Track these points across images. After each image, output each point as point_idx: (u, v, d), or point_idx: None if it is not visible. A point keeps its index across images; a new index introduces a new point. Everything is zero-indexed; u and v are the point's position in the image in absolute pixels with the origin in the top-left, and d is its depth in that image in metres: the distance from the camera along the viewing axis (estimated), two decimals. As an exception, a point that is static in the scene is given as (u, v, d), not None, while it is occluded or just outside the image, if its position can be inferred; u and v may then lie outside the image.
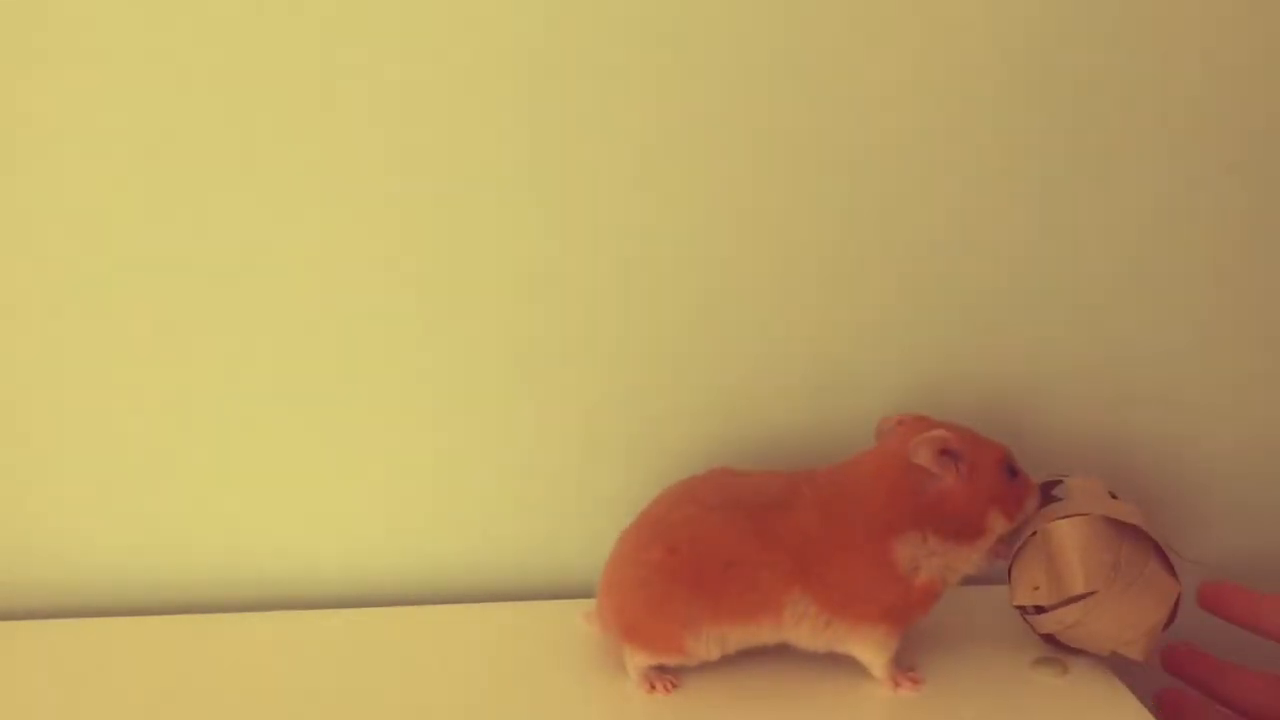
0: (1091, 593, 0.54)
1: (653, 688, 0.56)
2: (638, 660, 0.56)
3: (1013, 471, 0.56)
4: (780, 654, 0.56)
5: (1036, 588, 0.56)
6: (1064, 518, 0.56)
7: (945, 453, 0.54)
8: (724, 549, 0.54)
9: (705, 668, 0.56)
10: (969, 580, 0.56)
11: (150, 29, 0.55)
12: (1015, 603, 0.58)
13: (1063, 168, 0.61)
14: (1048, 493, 0.58)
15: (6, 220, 0.58)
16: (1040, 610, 0.57)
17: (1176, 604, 0.56)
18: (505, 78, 0.57)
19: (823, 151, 0.60)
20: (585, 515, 0.66)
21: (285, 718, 0.54)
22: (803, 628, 0.55)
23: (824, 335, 0.63)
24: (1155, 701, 0.58)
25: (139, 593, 0.65)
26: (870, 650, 0.55)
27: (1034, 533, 0.57)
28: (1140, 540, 0.55)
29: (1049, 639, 0.58)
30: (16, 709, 0.55)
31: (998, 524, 0.55)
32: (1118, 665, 0.58)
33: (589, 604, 0.60)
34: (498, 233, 0.60)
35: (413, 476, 0.65)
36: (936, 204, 0.61)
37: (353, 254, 0.60)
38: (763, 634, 0.55)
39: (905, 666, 0.56)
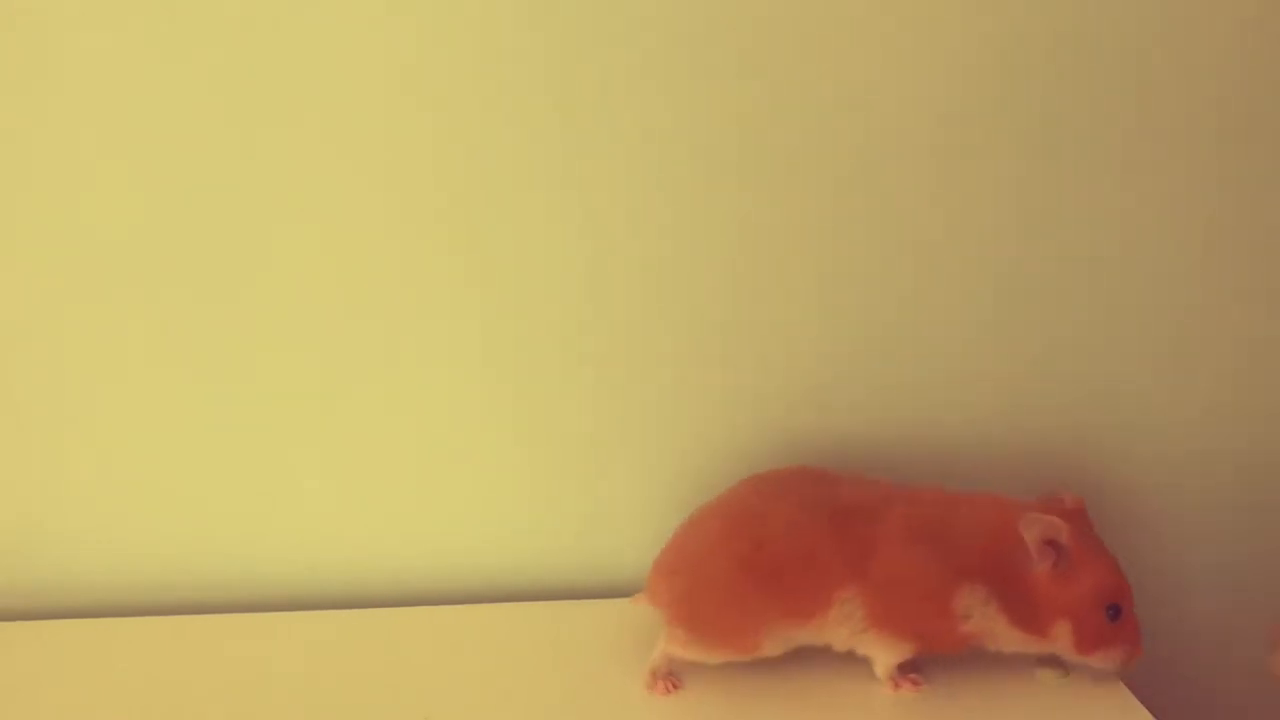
0: None
1: (663, 689, 0.56)
2: (686, 652, 0.56)
3: (1116, 613, 0.54)
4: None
5: None
6: None
7: (1051, 543, 0.53)
8: (807, 550, 0.54)
9: (706, 668, 0.56)
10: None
11: (151, 29, 0.55)
12: None
13: (1074, 171, 0.61)
14: None
15: (7, 220, 0.58)
16: None
17: None
18: (509, 77, 0.57)
19: (850, 154, 0.60)
20: (591, 517, 0.66)
21: (286, 718, 0.54)
22: (842, 629, 0.55)
23: (849, 337, 0.63)
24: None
25: (139, 593, 0.65)
26: (883, 653, 0.55)
27: None
28: None
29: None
30: (16, 709, 0.55)
31: (1062, 640, 0.54)
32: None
33: (592, 605, 0.60)
34: (507, 230, 0.60)
35: (417, 476, 0.64)
36: (958, 211, 0.61)
37: (357, 253, 0.60)
38: (808, 633, 0.55)
39: (906, 668, 0.56)
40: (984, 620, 0.54)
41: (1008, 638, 0.55)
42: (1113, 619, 0.54)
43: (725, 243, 0.61)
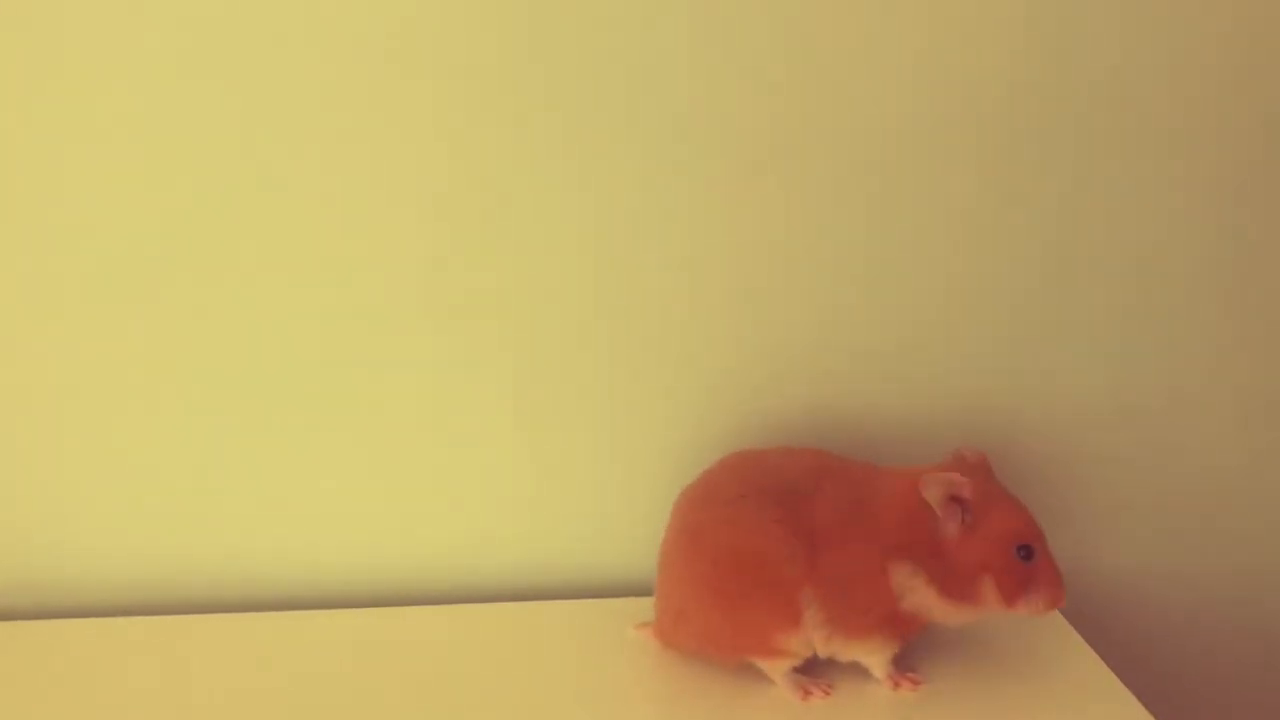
0: None
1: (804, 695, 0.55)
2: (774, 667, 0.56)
3: (1029, 553, 0.52)
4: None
5: None
6: None
7: (954, 499, 0.52)
8: (754, 544, 0.54)
9: (708, 666, 0.56)
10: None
11: (151, 29, 0.55)
12: None
13: (1084, 170, 0.61)
14: None
15: (7, 221, 0.58)
16: None
17: None
18: (513, 76, 0.57)
19: (847, 153, 0.60)
20: (591, 516, 0.66)
21: (286, 718, 0.54)
22: (817, 635, 0.54)
23: (851, 331, 0.64)
24: None
25: (139, 593, 0.65)
26: (870, 655, 0.55)
27: None
28: None
29: None
30: (16, 709, 0.55)
31: (990, 596, 0.53)
32: (1118, 664, 0.58)
33: (593, 604, 0.60)
34: (510, 231, 0.60)
35: (418, 476, 0.64)
36: (956, 204, 0.61)
37: (358, 253, 0.60)
38: (801, 639, 0.54)
39: (905, 667, 0.56)
40: (917, 596, 0.53)
41: (942, 610, 0.54)
42: (1026, 559, 0.52)
43: (729, 242, 0.61)
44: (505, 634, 0.61)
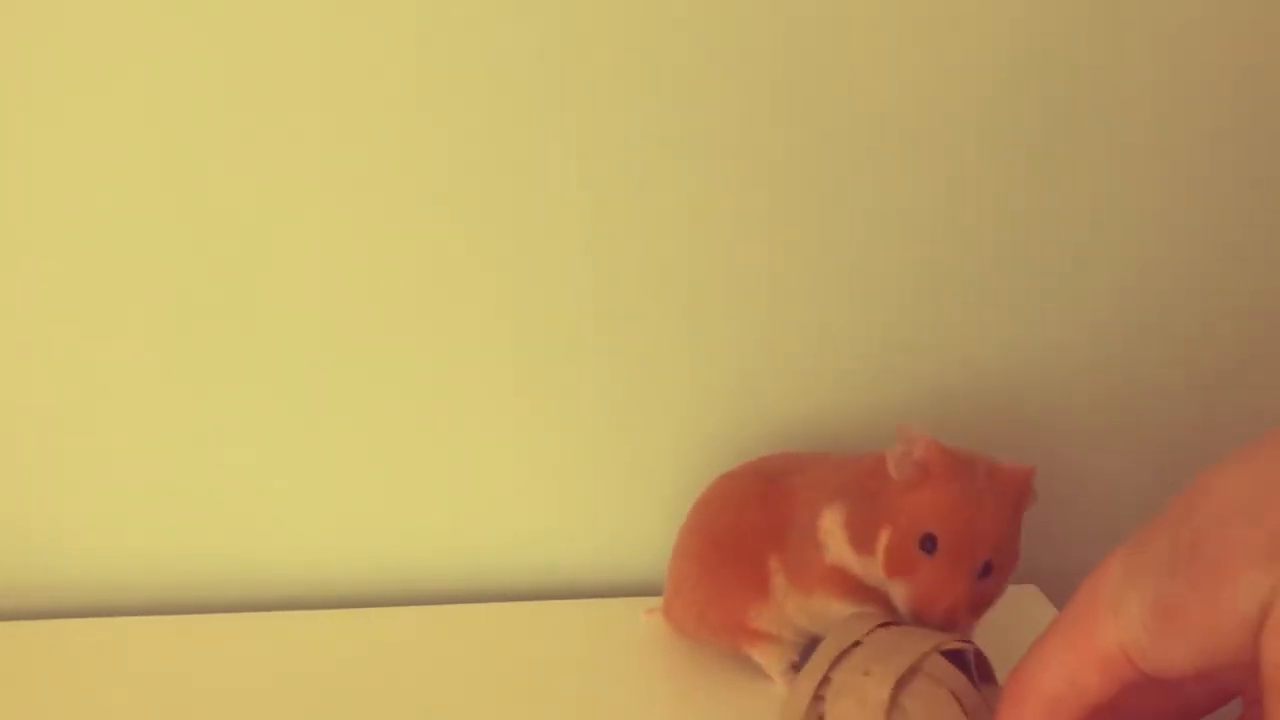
0: None
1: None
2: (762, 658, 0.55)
3: (932, 546, 0.46)
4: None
5: None
6: None
7: (910, 456, 0.47)
8: (729, 515, 0.55)
9: (703, 666, 0.56)
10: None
11: (152, 28, 0.55)
12: None
13: (1078, 168, 0.61)
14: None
15: (7, 221, 0.58)
16: None
17: None
18: (515, 74, 0.57)
19: (844, 151, 0.60)
20: (596, 516, 0.66)
21: (286, 718, 0.54)
22: (787, 604, 0.53)
23: (862, 336, 0.64)
24: None
25: (139, 593, 0.65)
26: (822, 613, 0.52)
27: None
28: None
29: None
30: (16, 709, 0.55)
31: (880, 550, 0.47)
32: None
33: (595, 604, 0.60)
34: (512, 230, 0.60)
35: (419, 476, 0.65)
36: (950, 203, 0.61)
37: (360, 253, 0.60)
38: (772, 613, 0.54)
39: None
40: (833, 542, 0.49)
41: (853, 562, 0.49)
42: (925, 550, 0.46)
43: (733, 242, 0.61)
44: (508, 634, 0.61)
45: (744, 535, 0.54)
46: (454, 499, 0.65)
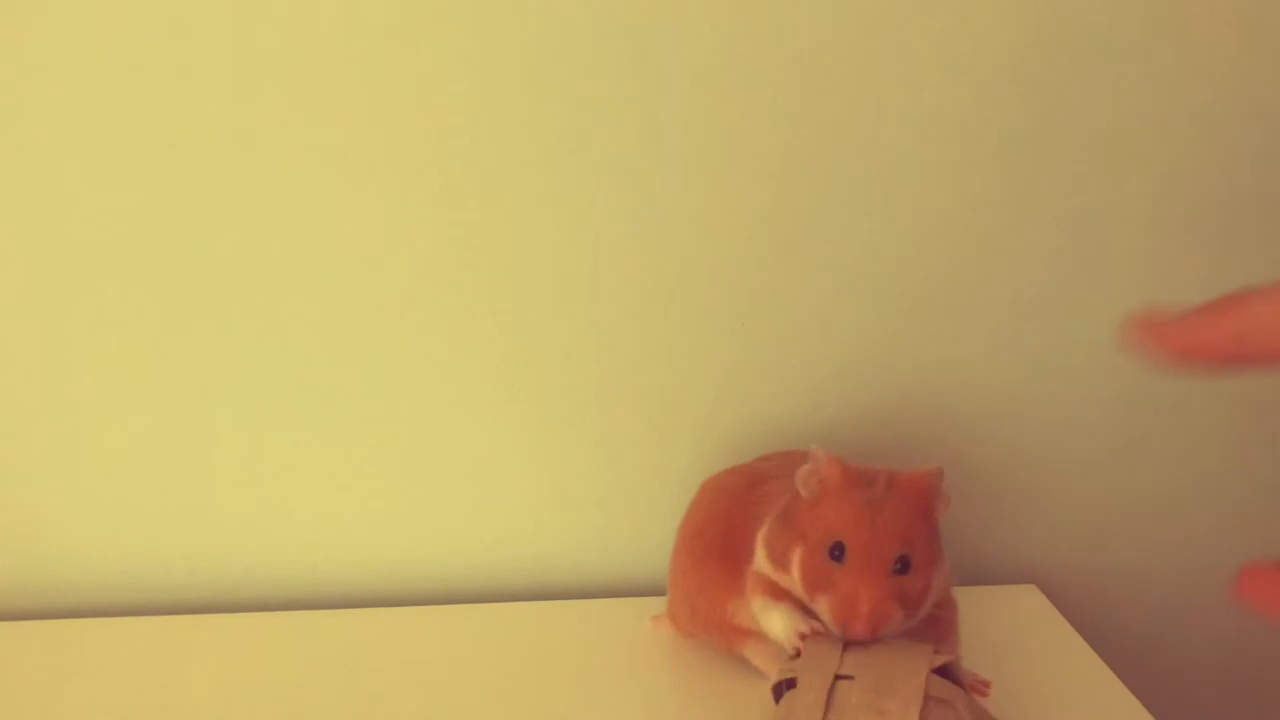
0: None
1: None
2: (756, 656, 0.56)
3: (840, 553, 0.47)
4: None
5: None
6: None
7: (815, 475, 0.49)
8: (716, 510, 0.56)
9: (702, 667, 0.56)
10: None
11: (153, 28, 0.55)
12: None
13: (1079, 169, 0.61)
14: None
15: (8, 221, 0.58)
16: None
17: None
18: (517, 78, 0.57)
19: (846, 158, 0.60)
20: (595, 516, 0.66)
21: (286, 718, 0.54)
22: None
23: (858, 336, 0.64)
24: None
25: (139, 593, 0.65)
26: (766, 622, 0.52)
27: None
28: None
29: None
30: (16, 709, 0.55)
31: (795, 571, 0.48)
32: (1117, 662, 0.58)
33: (594, 605, 0.60)
34: (515, 229, 0.60)
35: (419, 476, 0.64)
36: (954, 209, 0.61)
37: (361, 254, 0.60)
38: (748, 615, 0.54)
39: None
40: (759, 559, 0.51)
41: (774, 577, 0.50)
42: (836, 559, 0.47)
43: (734, 243, 0.61)
44: (508, 634, 0.61)
45: (727, 532, 0.55)
46: (454, 499, 0.65)
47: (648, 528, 0.66)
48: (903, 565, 0.47)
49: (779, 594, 0.50)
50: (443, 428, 0.64)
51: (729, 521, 0.55)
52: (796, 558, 0.48)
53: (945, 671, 0.46)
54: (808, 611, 0.49)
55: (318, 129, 0.57)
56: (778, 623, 0.50)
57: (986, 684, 0.53)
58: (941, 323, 0.64)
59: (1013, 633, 0.61)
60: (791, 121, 0.59)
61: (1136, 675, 0.58)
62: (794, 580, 0.49)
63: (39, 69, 0.56)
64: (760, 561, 0.52)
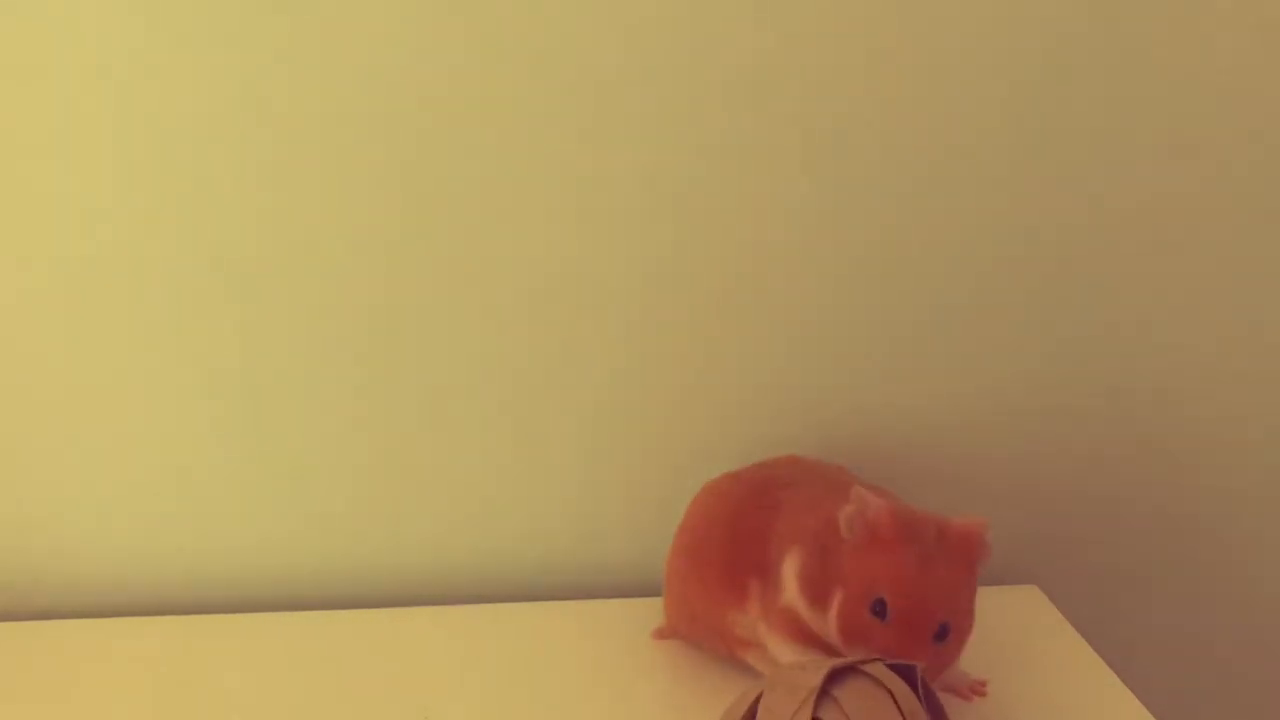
0: None
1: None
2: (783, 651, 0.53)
3: (882, 609, 0.46)
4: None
5: None
6: None
7: (861, 518, 0.48)
8: (721, 510, 0.55)
9: (701, 668, 0.56)
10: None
11: (154, 27, 0.55)
12: None
13: (1084, 174, 0.61)
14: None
15: (9, 221, 0.58)
16: None
17: None
18: (511, 76, 0.57)
19: (853, 160, 0.60)
20: (590, 518, 0.66)
21: (286, 718, 0.54)
22: (758, 628, 0.53)
23: (848, 339, 0.64)
24: None
25: (139, 593, 0.65)
26: (778, 655, 0.52)
27: None
28: None
29: None
30: (16, 709, 0.55)
31: (832, 612, 0.48)
32: (1117, 663, 0.58)
33: (594, 605, 0.60)
34: (508, 232, 0.60)
35: (419, 477, 0.64)
36: (953, 211, 0.61)
37: (359, 255, 0.60)
38: (746, 625, 0.54)
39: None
40: (789, 591, 0.50)
41: (805, 611, 0.49)
42: (878, 614, 0.46)
43: (724, 247, 0.61)
44: (508, 634, 0.61)
45: (729, 539, 0.54)
46: (454, 499, 0.65)
47: (646, 529, 0.66)
48: (942, 632, 0.46)
49: (805, 638, 0.50)
50: (442, 429, 0.64)
51: (731, 529, 0.54)
52: (837, 601, 0.47)
53: (923, 685, 0.45)
54: (833, 652, 0.49)
55: (318, 129, 0.57)
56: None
57: (983, 683, 0.53)
58: (941, 324, 0.64)
59: (1013, 633, 0.61)
60: (795, 121, 0.59)
61: (1136, 675, 0.58)
62: (829, 623, 0.48)
63: (40, 69, 0.56)
64: (792, 596, 0.50)
